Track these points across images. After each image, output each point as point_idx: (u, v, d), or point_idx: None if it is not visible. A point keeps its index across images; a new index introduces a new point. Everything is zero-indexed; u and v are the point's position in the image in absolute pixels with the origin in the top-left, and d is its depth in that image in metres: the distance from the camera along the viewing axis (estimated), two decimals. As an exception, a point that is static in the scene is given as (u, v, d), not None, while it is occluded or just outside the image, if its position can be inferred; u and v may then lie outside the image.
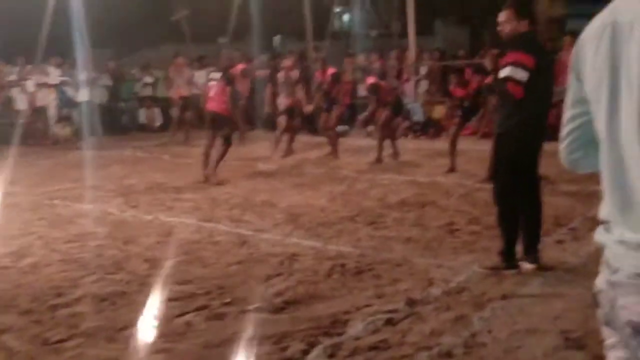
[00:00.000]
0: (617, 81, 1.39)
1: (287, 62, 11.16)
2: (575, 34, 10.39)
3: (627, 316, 1.38)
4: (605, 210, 1.48)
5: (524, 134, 4.53)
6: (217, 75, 8.94)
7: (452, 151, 8.87)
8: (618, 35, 1.39)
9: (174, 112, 13.36)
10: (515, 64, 4.39)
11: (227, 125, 8.55)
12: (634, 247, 1.36)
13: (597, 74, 1.44)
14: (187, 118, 12.90)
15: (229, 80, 8.72)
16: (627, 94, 1.36)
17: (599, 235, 1.50)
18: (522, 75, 4.35)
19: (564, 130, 1.62)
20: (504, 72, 4.44)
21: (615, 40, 1.39)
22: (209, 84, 9.15)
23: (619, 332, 1.43)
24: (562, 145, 1.64)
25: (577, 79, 1.54)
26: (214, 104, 8.65)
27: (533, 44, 4.58)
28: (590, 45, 1.47)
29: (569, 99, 1.59)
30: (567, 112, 1.60)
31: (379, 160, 9.66)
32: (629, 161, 1.37)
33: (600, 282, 1.49)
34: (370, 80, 10.65)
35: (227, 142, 8.52)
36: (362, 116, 11.13)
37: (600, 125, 1.45)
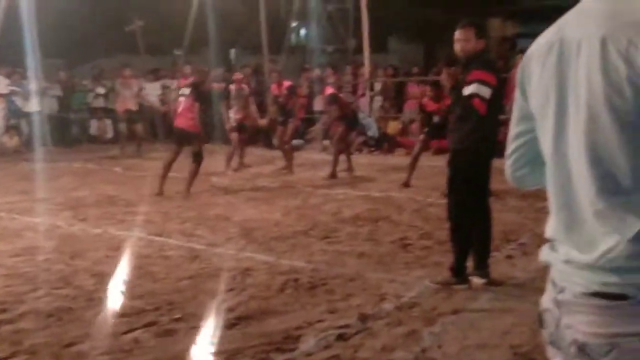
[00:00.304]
0: (565, 99, 1.38)
1: (238, 75, 11.10)
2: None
3: (572, 335, 1.37)
4: (551, 228, 1.48)
5: (485, 149, 4.61)
6: (187, 90, 8.77)
7: (412, 166, 8.92)
8: (566, 53, 1.37)
9: (121, 125, 13.09)
10: (480, 81, 4.48)
11: (195, 142, 8.44)
12: (580, 267, 1.36)
13: (544, 91, 1.43)
14: (138, 131, 12.67)
15: (198, 96, 8.62)
16: (575, 112, 1.35)
17: (545, 254, 1.50)
18: (486, 92, 4.45)
19: (510, 148, 1.62)
20: (469, 89, 4.49)
21: (563, 58, 1.38)
22: (178, 99, 8.92)
23: (564, 351, 1.42)
24: (508, 163, 1.64)
25: (522, 96, 1.52)
26: (181, 119, 8.52)
27: (492, 63, 4.71)
28: (536, 62, 1.45)
29: (515, 116, 1.58)
30: (513, 130, 1.60)
31: (333, 174, 9.69)
32: (577, 179, 1.37)
33: (545, 301, 1.49)
34: (329, 90, 10.69)
35: (198, 160, 8.41)
36: (320, 124, 11.18)
37: (547, 142, 1.45)
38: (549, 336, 1.47)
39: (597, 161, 1.31)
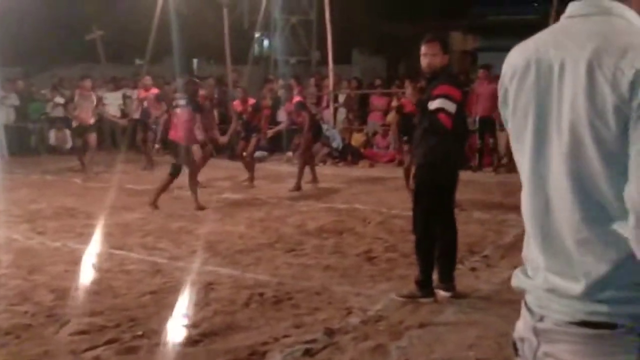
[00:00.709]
0: (544, 121, 1.32)
1: (202, 91, 10.90)
2: (487, 67, 10.69)
3: None
4: (528, 253, 1.43)
5: (449, 163, 4.64)
6: (182, 101, 8.56)
7: (407, 177, 8.90)
8: (546, 73, 1.32)
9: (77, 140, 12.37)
10: (446, 96, 4.52)
11: (180, 155, 8.26)
12: (564, 296, 1.32)
13: (522, 112, 1.38)
14: (91, 142, 11.99)
15: (196, 107, 8.48)
16: (557, 135, 1.30)
17: (518, 281, 1.45)
18: (451, 107, 4.49)
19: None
20: (435, 104, 4.52)
21: (542, 78, 1.33)
22: (174, 110, 8.67)
23: None
24: None
25: (505, 119, 1.48)
26: (175, 132, 8.42)
27: (456, 78, 4.75)
28: (511, 82, 1.41)
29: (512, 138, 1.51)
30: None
31: (298, 187, 9.66)
32: (557, 204, 1.32)
33: (521, 329, 1.44)
34: (297, 98, 10.59)
35: (174, 174, 8.26)
36: (284, 125, 11.26)
37: (524, 165, 1.40)
38: None
39: (580, 188, 1.27)
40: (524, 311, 1.43)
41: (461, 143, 4.74)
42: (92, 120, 11.72)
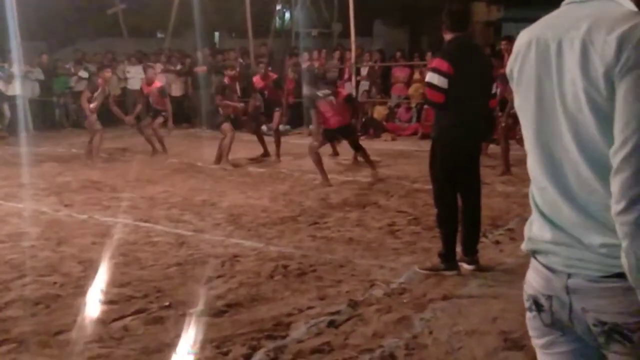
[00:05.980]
0: (547, 94, 1.47)
1: (230, 71, 10.67)
2: (511, 38, 10.53)
3: (596, 317, 1.43)
4: (542, 213, 1.55)
5: (452, 138, 4.58)
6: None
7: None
8: (543, 51, 1.48)
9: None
10: (434, 69, 4.52)
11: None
12: (592, 250, 1.42)
13: (525, 88, 1.54)
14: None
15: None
16: (560, 106, 1.44)
17: (531, 244, 1.58)
18: (439, 80, 4.45)
19: None
20: (426, 78, 4.60)
21: (540, 56, 1.49)
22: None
23: (579, 334, 1.50)
24: None
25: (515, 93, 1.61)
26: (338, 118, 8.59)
27: (453, 50, 4.56)
28: (515, 62, 1.57)
29: None
30: None
31: (335, 153, 10.06)
32: (567, 166, 1.45)
33: (543, 287, 1.55)
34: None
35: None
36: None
37: (529, 134, 1.55)
38: (548, 318, 1.55)
39: (584, 150, 1.41)
40: (544, 271, 1.54)
41: (470, 116, 4.57)
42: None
